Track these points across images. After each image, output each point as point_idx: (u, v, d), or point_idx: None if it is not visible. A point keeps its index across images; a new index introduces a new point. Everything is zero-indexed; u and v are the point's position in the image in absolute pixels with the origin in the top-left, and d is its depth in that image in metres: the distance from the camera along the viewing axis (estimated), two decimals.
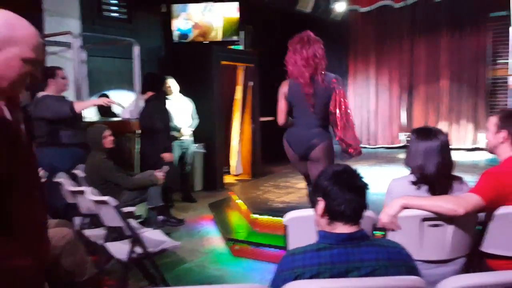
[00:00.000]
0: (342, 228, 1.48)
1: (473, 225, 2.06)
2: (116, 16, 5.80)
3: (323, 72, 3.15)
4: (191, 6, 6.17)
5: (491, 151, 2.24)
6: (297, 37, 3.20)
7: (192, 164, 5.79)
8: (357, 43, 9.09)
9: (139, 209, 4.08)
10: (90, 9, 5.42)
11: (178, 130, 5.34)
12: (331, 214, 1.50)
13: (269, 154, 7.20)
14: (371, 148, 8.97)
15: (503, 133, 2.14)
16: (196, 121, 5.53)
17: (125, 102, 5.12)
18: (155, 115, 4.48)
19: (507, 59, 6.68)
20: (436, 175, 2.05)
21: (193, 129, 5.52)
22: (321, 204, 1.51)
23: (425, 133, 2.14)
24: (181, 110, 5.40)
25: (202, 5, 6.19)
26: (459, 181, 2.13)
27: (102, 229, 3.11)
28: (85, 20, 5.29)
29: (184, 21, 6.19)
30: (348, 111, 3.18)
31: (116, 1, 5.75)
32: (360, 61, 9.10)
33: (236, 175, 7.00)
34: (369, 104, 9.04)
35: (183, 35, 6.22)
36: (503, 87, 7.65)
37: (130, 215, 2.95)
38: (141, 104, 4.72)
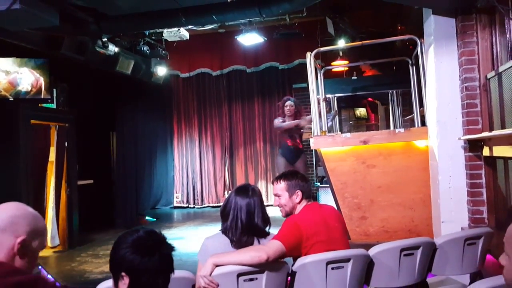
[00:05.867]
0: None
1: (284, 275, 2.17)
2: None
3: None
4: None
5: (290, 213, 2.37)
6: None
7: None
8: (180, 105, 9.42)
9: None
10: None
11: None
12: None
13: (88, 221, 6.61)
14: (198, 208, 9.10)
15: (298, 194, 2.35)
16: None
17: None
18: None
19: (309, 125, 7.68)
20: (246, 228, 2.15)
21: None
22: (125, 281, 1.36)
23: (240, 190, 2.26)
24: None
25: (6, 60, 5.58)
26: (268, 235, 2.26)
27: None
28: None
29: None
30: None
31: None
32: (184, 122, 9.39)
33: (54, 247, 6.05)
34: (194, 165, 9.27)
35: None
36: (308, 148, 8.73)
37: None
38: None
